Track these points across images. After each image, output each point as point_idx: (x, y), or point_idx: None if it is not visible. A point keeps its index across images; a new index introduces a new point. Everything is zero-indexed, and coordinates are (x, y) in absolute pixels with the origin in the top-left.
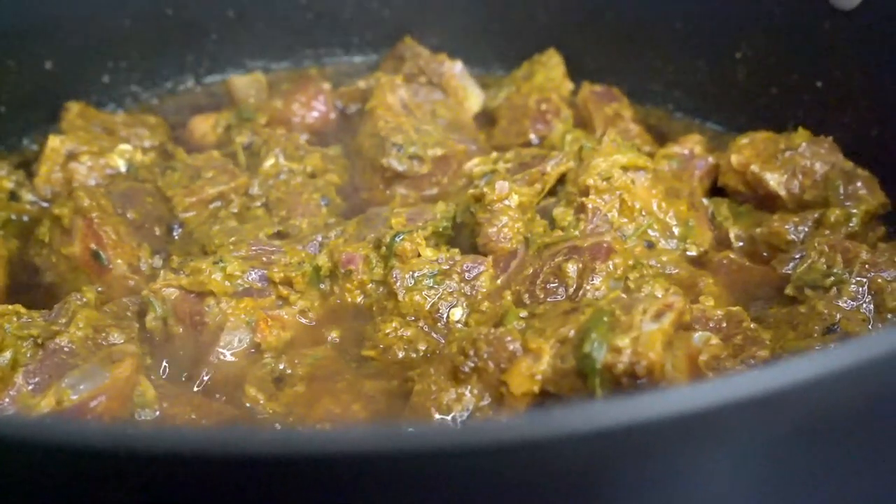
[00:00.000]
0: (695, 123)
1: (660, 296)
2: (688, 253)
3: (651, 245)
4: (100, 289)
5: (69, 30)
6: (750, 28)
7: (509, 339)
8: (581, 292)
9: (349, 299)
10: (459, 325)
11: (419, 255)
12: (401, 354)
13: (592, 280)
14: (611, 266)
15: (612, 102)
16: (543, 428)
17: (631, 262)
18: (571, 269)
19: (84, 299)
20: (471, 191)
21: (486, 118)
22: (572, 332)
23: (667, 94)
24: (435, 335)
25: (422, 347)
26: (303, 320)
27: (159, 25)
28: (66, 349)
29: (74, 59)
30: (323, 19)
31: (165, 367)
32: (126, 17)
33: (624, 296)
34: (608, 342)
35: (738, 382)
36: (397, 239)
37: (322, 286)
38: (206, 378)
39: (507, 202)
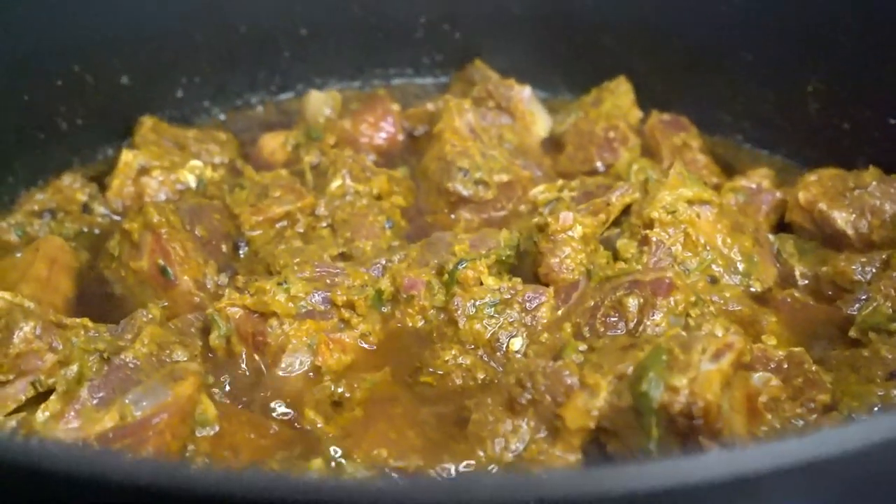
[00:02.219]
0: (763, 155)
1: (720, 335)
2: (751, 289)
3: (714, 280)
4: (165, 303)
5: (145, 45)
6: (822, 61)
7: (567, 373)
8: (641, 327)
9: (409, 324)
10: (518, 356)
11: (481, 283)
12: (458, 382)
13: (653, 315)
14: (672, 302)
15: (680, 132)
16: (572, 486)
17: (692, 299)
18: (632, 303)
19: (150, 316)
20: (534, 220)
21: (553, 143)
22: (630, 369)
23: (735, 125)
24: (493, 364)
25: (480, 376)
26: (363, 344)
27: (233, 42)
28: (130, 365)
29: (150, 74)
30: (394, 40)
31: (226, 385)
32: (200, 34)
33: (683, 333)
34: (665, 381)
35: (777, 450)
36: (460, 266)
37: (383, 309)
38: (265, 398)
39: (570, 233)
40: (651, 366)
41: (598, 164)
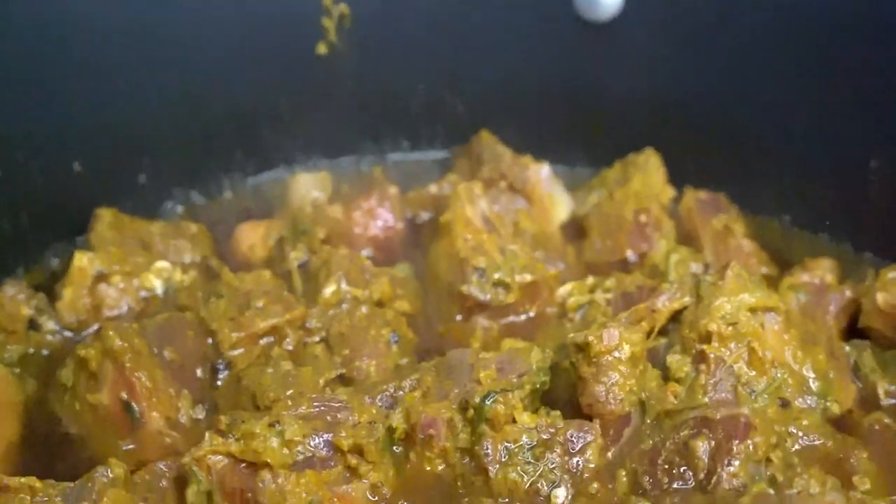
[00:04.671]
0: (819, 240)
1: (815, 492)
2: (829, 413)
3: (785, 403)
4: (130, 446)
5: (101, 124)
6: (887, 133)
7: None
8: (714, 478)
9: (428, 468)
10: None
11: (514, 421)
12: None
13: (728, 465)
14: (750, 446)
15: (719, 213)
16: None
17: (773, 440)
18: (702, 447)
19: (110, 475)
20: (571, 335)
21: (574, 228)
22: None
23: (782, 205)
24: None
25: None
26: (373, 497)
27: (204, 118)
28: None
29: (107, 157)
30: (388, 111)
31: None
32: (167, 110)
33: (771, 491)
34: None
35: None
36: (488, 401)
37: (396, 449)
38: None
39: (616, 353)
40: None
41: (630, 254)
